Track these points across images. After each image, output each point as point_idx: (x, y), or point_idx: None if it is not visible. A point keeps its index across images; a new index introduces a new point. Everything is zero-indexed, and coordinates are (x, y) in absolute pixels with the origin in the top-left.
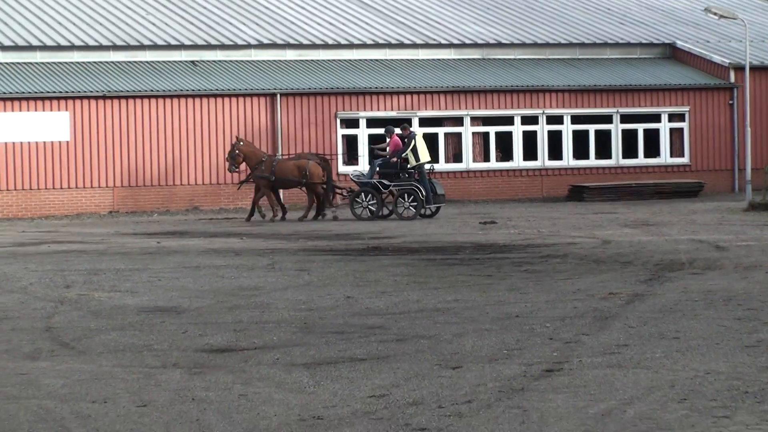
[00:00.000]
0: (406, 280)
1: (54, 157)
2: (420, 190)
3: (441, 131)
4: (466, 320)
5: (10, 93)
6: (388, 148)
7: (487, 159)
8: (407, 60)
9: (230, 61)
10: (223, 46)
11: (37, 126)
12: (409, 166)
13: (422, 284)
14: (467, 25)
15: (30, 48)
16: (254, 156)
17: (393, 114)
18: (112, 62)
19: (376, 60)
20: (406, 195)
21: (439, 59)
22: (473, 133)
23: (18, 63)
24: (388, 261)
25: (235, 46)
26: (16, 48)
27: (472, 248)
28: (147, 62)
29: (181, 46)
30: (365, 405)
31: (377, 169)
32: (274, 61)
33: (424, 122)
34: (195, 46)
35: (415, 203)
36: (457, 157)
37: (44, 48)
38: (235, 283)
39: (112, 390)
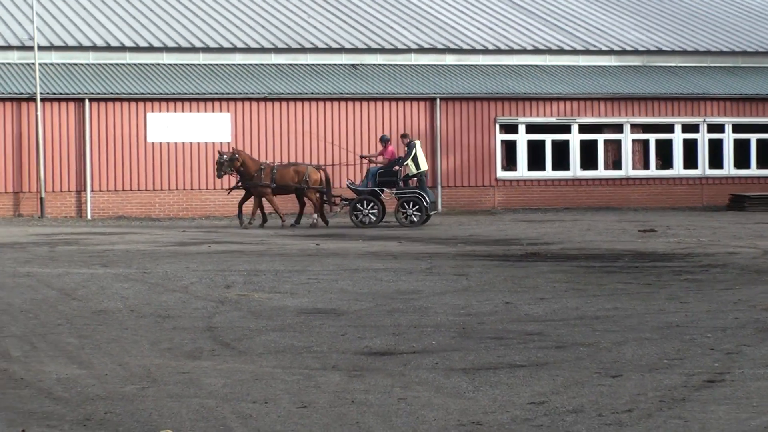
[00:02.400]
0: (564, 287)
1: (215, 157)
2: (424, 198)
3: (600, 138)
4: (626, 329)
5: (174, 94)
6: (381, 157)
7: (646, 167)
8: (567, 66)
9: (390, 64)
10: (383, 50)
11: (199, 127)
12: (410, 174)
13: (581, 291)
14: (628, 32)
15: (193, 49)
16: (253, 163)
17: (552, 120)
18: (274, 64)
19: (536, 65)
20: (411, 203)
21: (599, 66)
22: (633, 141)
23: (181, 64)
24: (547, 267)
25: (396, 50)
26: (179, 49)
27: (632, 256)
28: (308, 65)
29: (342, 50)
30: (525, 411)
31: (372, 177)
32: (434, 65)
33: (584, 129)
34: (355, 50)
35: (419, 211)
36: (616, 165)
37: (207, 50)
38: (394, 287)
39: (273, 391)
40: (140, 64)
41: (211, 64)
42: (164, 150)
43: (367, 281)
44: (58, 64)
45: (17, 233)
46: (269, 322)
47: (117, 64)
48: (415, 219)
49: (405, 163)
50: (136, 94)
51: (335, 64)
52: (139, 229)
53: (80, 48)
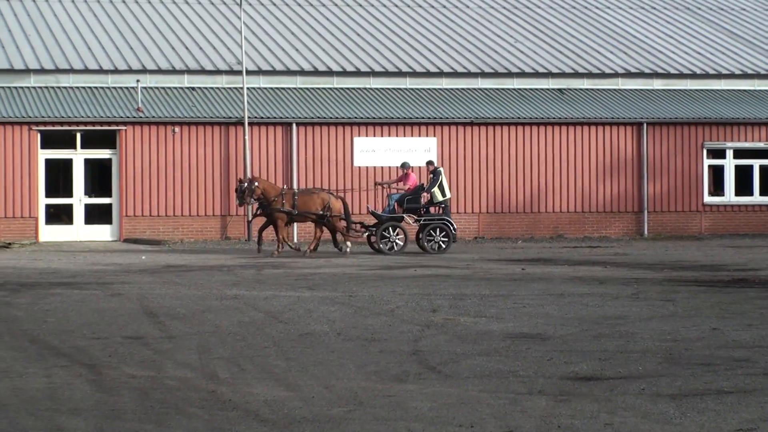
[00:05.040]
0: None
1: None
2: (451, 225)
3: None
4: None
5: (380, 118)
6: (402, 183)
7: None
8: None
9: (597, 89)
10: (590, 75)
11: (405, 151)
12: (435, 201)
13: None
14: None
15: (400, 74)
16: (273, 189)
17: (761, 145)
18: (480, 89)
19: (744, 90)
20: (438, 230)
21: None
22: None
23: (388, 88)
24: (754, 293)
25: (602, 75)
26: (386, 74)
27: None
28: (514, 89)
29: (549, 74)
30: None
31: (394, 203)
32: (641, 90)
33: None
34: (562, 74)
35: (446, 238)
36: None
37: (414, 74)
38: (600, 312)
39: (479, 415)
40: (347, 88)
41: (417, 89)
42: (370, 174)
43: (573, 306)
44: (265, 88)
45: (224, 256)
46: (475, 346)
47: (324, 88)
48: (444, 246)
49: (432, 190)
50: (343, 118)
51: (542, 89)
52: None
53: (287, 72)
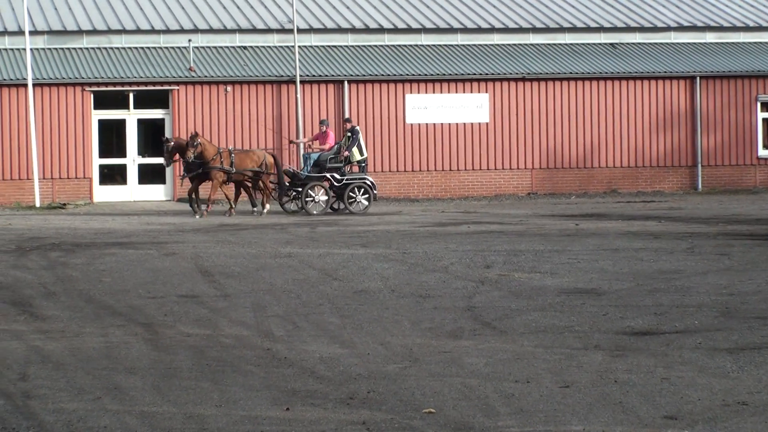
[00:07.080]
0: None
1: (474, 138)
2: (371, 184)
3: None
4: None
5: (432, 75)
6: (318, 142)
7: None
8: None
9: (649, 43)
10: (642, 29)
11: (457, 107)
12: (353, 160)
13: None
14: None
15: (451, 30)
16: (211, 148)
17: None
18: (531, 44)
19: None
20: (356, 189)
21: None
22: None
23: (439, 45)
24: None
25: (655, 29)
26: (437, 30)
27: None
28: (566, 44)
29: (601, 29)
30: None
31: (314, 163)
32: (694, 43)
33: None
34: (614, 29)
35: (367, 196)
36: None
37: (465, 30)
38: (654, 266)
39: (534, 370)
40: (398, 45)
41: (469, 45)
42: (422, 131)
43: (628, 261)
44: (316, 46)
45: (277, 215)
46: (530, 301)
47: (375, 45)
48: (366, 203)
49: (352, 149)
50: (395, 75)
51: (594, 44)
52: (396, 208)
53: (339, 30)
